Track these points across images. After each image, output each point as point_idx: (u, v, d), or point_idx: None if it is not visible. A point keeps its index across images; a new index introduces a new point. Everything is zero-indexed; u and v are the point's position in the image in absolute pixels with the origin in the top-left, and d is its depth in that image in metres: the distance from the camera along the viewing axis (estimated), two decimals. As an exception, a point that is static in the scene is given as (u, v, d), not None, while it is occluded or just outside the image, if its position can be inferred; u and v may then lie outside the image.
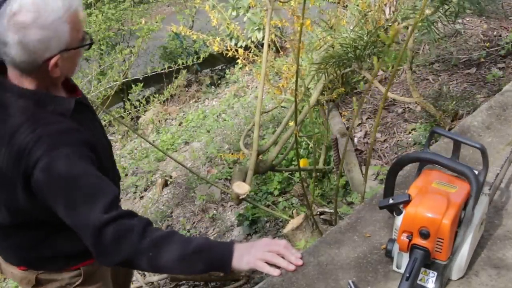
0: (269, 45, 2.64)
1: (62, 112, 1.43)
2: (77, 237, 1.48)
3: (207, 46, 3.74)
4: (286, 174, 3.83)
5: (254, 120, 2.68)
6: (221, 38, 3.77)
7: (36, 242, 1.56)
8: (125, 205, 4.03)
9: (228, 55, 3.43)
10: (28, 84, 1.40)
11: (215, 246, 1.31)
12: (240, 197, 1.93)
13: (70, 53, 1.38)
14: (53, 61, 1.36)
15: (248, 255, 1.29)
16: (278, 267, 1.33)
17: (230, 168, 4.37)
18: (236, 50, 3.40)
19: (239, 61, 3.49)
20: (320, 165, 3.39)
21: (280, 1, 2.75)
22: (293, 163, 3.86)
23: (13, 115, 1.38)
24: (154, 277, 3.16)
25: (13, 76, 1.40)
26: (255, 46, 3.61)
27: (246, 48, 3.73)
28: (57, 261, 1.61)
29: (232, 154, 3.64)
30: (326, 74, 2.46)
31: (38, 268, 1.61)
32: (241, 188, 1.92)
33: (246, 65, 3.46)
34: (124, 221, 1.30)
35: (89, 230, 1.28)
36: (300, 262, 1.28)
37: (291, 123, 2.81)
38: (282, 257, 1.33)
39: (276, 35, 3.56)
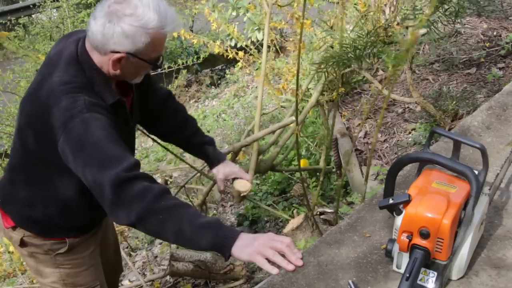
0: (269, 46, 2.64)
1: (103, 98, 1.50)
2: (73, 213, 1.65)
3: (207, 46, 3.74)
4: (286, 174, 3.83)
5: (254, 121, 2.68)
6: (220, 39, 3.78)
7: (35, 199, 1.65)
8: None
9: (228, 57, 3.44)
10: (95, 58, 1.49)
11: (223, 227, 1.33)
12: (242, 195, 1.92)
13: (136, 60, 1.47)
14: (117, 55, 1.45)
15: (251, 247, 1.29)
16: (278, 266, 1.33)
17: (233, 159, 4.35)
18: (236, 53, 3.41)
19: (239, 64, 3.49)
20: (321, 165, 3.39)
21: (279, 5, 2.76)
22: (293, 163, 3.86)
23: (65, 72, 1.48)
24: (154, 275, 3.16)
25: (88, 46, 1.51)
26: (255, 47, 3.61)
27: (245, 49, 3.73)
28: (45, 228, 1.70)
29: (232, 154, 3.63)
30: (326, 74, 2.46)
31: (26, 227, 1.70)
32: (243, 186, 1.91)
33: (246, 68, 3.46)
34: (144, 182, 1.34)
35: (109, 185, 1.32)
36: (300, 263, 1.28)
37: (291, 124, 2.81)
38: (284, 255, 1.33)
39: (276, 36, 3.56)
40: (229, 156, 2.69)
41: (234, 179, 1.92)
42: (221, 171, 1.91)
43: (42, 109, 1.44)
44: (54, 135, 1.40)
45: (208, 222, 1.33)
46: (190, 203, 3.10)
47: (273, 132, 2.87)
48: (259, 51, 3.54)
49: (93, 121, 1.40)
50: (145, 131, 2.03)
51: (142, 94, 1.77)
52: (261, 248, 1.28)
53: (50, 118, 1.41)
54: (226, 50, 3.42)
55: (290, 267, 1.27)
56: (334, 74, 2.39)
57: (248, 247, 1.29)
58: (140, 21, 1.40)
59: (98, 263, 1.86)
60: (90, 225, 1.80)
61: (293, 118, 2.68)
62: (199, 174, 2.60)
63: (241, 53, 3.42)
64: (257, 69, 4.05)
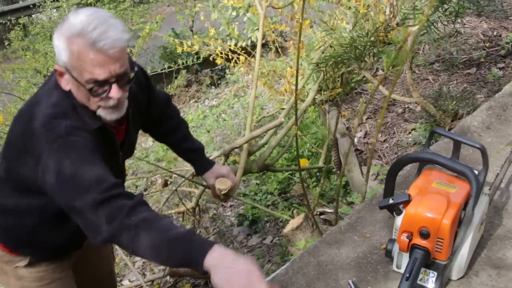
0: (269, 46, 2.64)
1: (86, 122, 1.45)
2: (41, 234, 1.62)
3: (207, 46, 3.75)
4: (286, 174, 3.83)
5: (246, 123, 2.69)
6: (221, 39, 3.78)
7: (8, 209, 1.61)
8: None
9: (231, 59, 3.45)
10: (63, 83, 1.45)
11: (196, 241, 1.27)
12: (222, 192, 1.90)
13: (73, 79, 1.40)
14: (58, 67, 1.41)
15: (225, 274, 1.20)
16: None
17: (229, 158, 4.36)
18: (238, 58, 3.42)
19: (241, 68, 3.50)
20: (320, 164, 3.39)
21: (273, 6, 2.76)
22: (293, 162, 3.87)
23: (49, 97, 1.45)
24: (154, 276, 3.16)
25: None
26: (254, 46, 3.62)
27: (246, 49, 3.74)
28: (11, 240, 1.67)
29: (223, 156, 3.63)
30: (324, 73, 2.46)
31: None
32: (223, 183, 1.90)
33: (248, 73, 3.47)
34: (120, 200, 1.31)
35: (87, 210, 1.30)
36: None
37: (281, 124, 2.80)
38: None
39: (276, 37, 3.56)
40: (223, 159, 2.70)
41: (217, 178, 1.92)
42: (210, 176, 1.91)
43: (26, 132, 1.42)
44: (33, 158, 1.38)
45: (181, 234, 1.28)
46: (183, 205, 3.10)
47: (265, 132, 2.87)
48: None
49: (72, 145, 1.36)
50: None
51: (143, 112, 1.73)
52: (235, 283, 1.19)
53: (32, 141, 1.38)
54: (227, 58, 3.44)
55: None
56: (331, 73, 2.39)
57: (223, 272, 1.21)
58: (65, 28, 1.35)
59: (65, 276, 1.78)
60: (60, 252, 1.74)
61: (282, 119, 2.69)
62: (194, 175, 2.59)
63: (242, 58, 3.42)
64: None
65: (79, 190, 1.32)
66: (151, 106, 1.78)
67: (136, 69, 1.52)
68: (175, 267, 1.29)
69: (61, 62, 1.39)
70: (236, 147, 2.68)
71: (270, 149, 2.95)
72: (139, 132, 1.88)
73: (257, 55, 2.59)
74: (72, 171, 1.33)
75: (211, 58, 3.57)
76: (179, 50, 3.67)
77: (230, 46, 3.47)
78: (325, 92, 3.22)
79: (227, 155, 2.70)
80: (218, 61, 3.48)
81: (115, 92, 1.40)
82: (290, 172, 3.85)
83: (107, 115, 1.46)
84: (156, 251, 1.28)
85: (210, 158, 2.02)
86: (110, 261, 2.10)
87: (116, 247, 2.30)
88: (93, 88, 1.38)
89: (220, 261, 1.22)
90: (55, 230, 1.63)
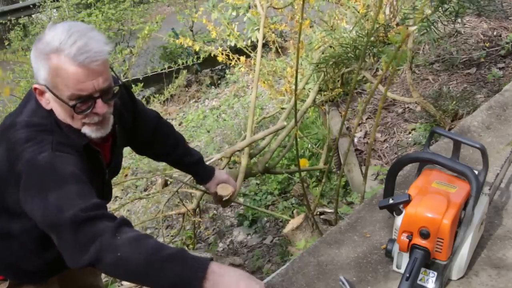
0: (268, 46, 2.65)
1: (71, 140, 1.39)
2: (22, 255, 1.53)
3: (207, 46, 3.76)
4: (286, 174, 3.83)
5: (247, 126, 2.69)
6: (221, 39, 3.78)
7: None
8: (125, 206, 4.03)
9: (232, 60, 3.46)
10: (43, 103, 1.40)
11: (190, 258, 1.18)
12: (224, 199, 1.90)
13: (54, 96, 1.34)
14: (38, 86, 1.36)
15: None
16: None
17: (230, 168, 4.37)
18: (238, 58, 3.43)
19: (242, 68, 3.52)
20: (321, 165, 3.40)
21: (274, 7, 2.76)
22: (294, 161, 3.86)
23: (34, 114, 1.39)
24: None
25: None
26: (254, 46, 3.62)
27: (246, 48, 3.74)
28: None
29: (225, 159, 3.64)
30: (325, 74, 2.46)
31: None
32: (225, 189, 1.90)
33: (248, 73, 3.48)
34: (104, 221, 1.23)
35: (66, 227, 1.22)
36: None
37: (289, 124, 2.81)
38: None
39: (276, 37, 3.56)
40: (224, 161, 2.70)
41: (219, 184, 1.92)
42: (212, 184, 1.91)
43: (9, 152, 1.35)
44: (15, 176, 1.31)
45: (172, 254, 1.18)
46: (184, 206, 3.10)
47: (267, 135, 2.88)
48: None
49: (57, 161, 1.30)
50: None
51: (131, 131, 1.69)
52: None
53: (15, 160, 1.32)
54: (228, 57, 3.45)
55: None
56: (332, 73, 2.39)
57: None
58: (42, 45, 1.30)
59: None
60: (42, 276, 1.67)
61: (285, 123, 2.69)
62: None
63: (242, 59, 3.43)
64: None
65: (59, 207, 1.23)
66: (138, 123, 1.72)
67: (119, 83, 1.47)
68: None
69: (40, 80, 1.33)
70: (238, 150, 2.68)
71: (270, 152, 2.96)
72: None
73: (258, 56, 2.60)
74: (55, 187, 1.26)
75: (212, 55, 3.57)
76: (179, 41, 3.66)
77: (229, 46, 3.48)
78: (325, 93, 3.23)
79: (229, 157, 2.71)
80: (219, 58, 3.48)
81: (100, 107, 1.35)
82: (287, 173, 3.85)
83: (92, 133, 1.40)
84: (145, 273, 1.17)
85: (211, 160, 2.01)
86: (96, 277, 2.03)
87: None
88: (76, 104, 1.32)
89: (219, 280, 1.14)
90: (39, 254, 1.56)
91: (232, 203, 4.04)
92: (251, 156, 2.84)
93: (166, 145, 1.88)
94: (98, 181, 1.48)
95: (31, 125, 1.37)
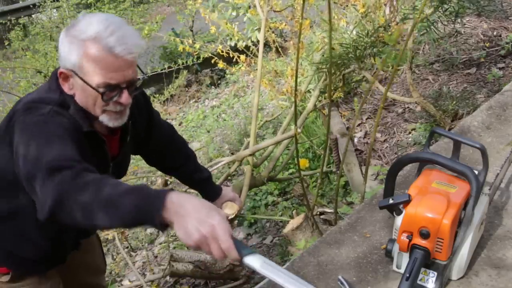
0: (268, 46, 2.65)
1: (76, 121, 1.40)
2: (25, 243, 1.54)
3: (207, 46, 3.77)
4: (286, 174, 3.83)
5: (250, 133, 2.70)
6: (221, 39, 3.78)
7: None
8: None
9: (233, 57, 3.47)
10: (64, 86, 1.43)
11: (147, 191, 1.12)
12: (229, 218, 1.89)
13: (81, 82, 1.38)
14: (64, 70, 1.39)
15: (186, 225, 1.05)
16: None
17: (230, 168, 4.37)
18: (239, 57, 3.43)
19: (242, 68, 3.52)
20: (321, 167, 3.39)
21: (275, 10, 2.77)
22: (294, 161, 3.86)
23: (43, 91, 1.44)
24: (154, 276, 3.16)
25: None
26: (254, 46, 3.62)
27: (246, 48, 3.74)
28: None
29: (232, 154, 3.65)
30: (326, 74, 2.46)
31: None
32: (230, 208, 1.90)
33: (248, 73, 3.49)
34: (69, 170, 1.20)
35: (40, 173, 1.20)
36: (230, 255, 1.06)
37: (290, 125, 2.82)
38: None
39: (276, 37, 3.57)
40: (234, 165, 2.70)
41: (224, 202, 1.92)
42: (218, 203, 1.91)
43: (8, 121, 1.38)
44: (7, 142, 1.33)
45: (130, 188, 1.14)
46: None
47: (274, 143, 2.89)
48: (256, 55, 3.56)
49: (50, 121, 1.32)
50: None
51: (144, 139, 1.71)
52: (193, 229, 1.05)
53: (12, 128, 1.34)
54: (228, 55, 3.45)
55: (219, 255, 1.07)
56: (333, 74, 2.39)
57: (183, 222, 1.05)
58: (77, 31, 1.35)
59: (51, 287, 1.70)
60: (41, 265, 1.66)
61: (299, 130, 2.69)
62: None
63: (243, 57, 3.44)
64: (256, 69, 4.05)
65: (38, 157, 1.23)
66: (152, 130, 1.75)
67: (145, 77, 1.53)
68: (129, 226, 1.10)
69: (69, 65, 1.38)
70: (241, 159, 2.70)
71: (274, 161, 2.96)
72: None
73: (259, 60, 2.60)
74: (40, 140, 1.27)
75: (213, 62, 3.59)
76: (180, 48, 3.67)
77: (229, 45, 3.49)
78: (326, 95, 3.24)
79: (240, 161, 2.72)
80: (220, 65, 3.50)
81: (125, 97, 1.41)
82: (290, 172, 3.85)
83: (110, 121, 1.44)
84: (104, 210, 1.12)
85: (221, 164, 1.99)
86: (99, 277, 2.04)
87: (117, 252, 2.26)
88: (104, 92, 1.38)
89: (178, 209, 1.07)
90: (37, 239, 1.57)
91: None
92: (254, 165, 2.85)
93: (177, 159, 1.89)
94: (100, 171, 1.48)
95: (36, 99, 1.41)
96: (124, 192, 1.13)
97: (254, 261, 1.07)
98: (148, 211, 1.08)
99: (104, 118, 1.43)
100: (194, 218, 1.06)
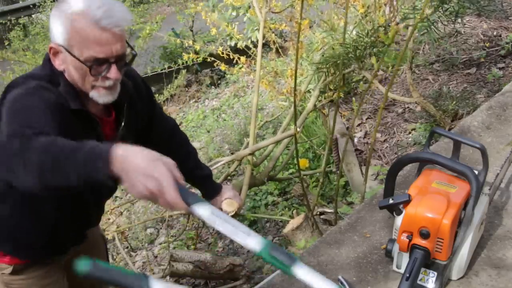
0: (268, 46, 2.65)
1: (66, 99, 1.40)
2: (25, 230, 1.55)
3: (207, 46, 3.77)
4: (285, 174, 3.83)
5: (250, 133, 2.70)
6: (221, 39, 3.78)
7: None
8: (124, 206, 4.03)
9: (233, 58, 3.47)
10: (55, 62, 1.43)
11: (92, 147, 1.12)
12: (230, 215, 1.89)
13: (71, 57, 1.37)
14: (54, 45, 1.39)
15: (132, 179, 1.06)
16: None
17: (234, 175, 4.37)
18: (239, 58, 3.43)
19: (243, 69, 3.52)
20: (321, 167, 3.39)
21: (273, 12, 2.77)
22: (293, 161, 3.86)
23: (34, 70, 1.46)
24: (153, 275, 3.16)
25: None
26: (254, 46, 3.62)
27: (246, 48, 3.74)
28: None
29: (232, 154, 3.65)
30: (326, 74, 2.46)
31: None
32: (230, 205, 1.90)
33: (248, 73, 3.48)
34: (28, 137, 1.18)
35: (4, 142, 1.22)
36: (176, 207, 1.07)
37: (290, 126, 2.82)
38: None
39: (275, 38, 3.57)
40: (234, 165, 2.70)
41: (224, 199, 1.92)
42: (218, 201, 1.91)
43: (2, 99, 1.37)
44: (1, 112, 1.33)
45: (75, 147, 1.13)
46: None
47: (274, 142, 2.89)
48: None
49: (37, 94, 1.32)
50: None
51: (141, 120, 1.68)
52: (140, 181, 1.06)
53: (1, 105, 1.34)
54: (229, 56, 3.45)
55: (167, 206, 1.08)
56: (333, 74, 2.39)
57: (132, 174, 1.06)
58: (65, 6, 1.35)
59: (56, 281, 1.70)
60: (42, 253, 1.65)
61: (298, 129, 2.69)
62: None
63: (243, 59, 3.44)
64: (256, 70, 4.06)
65: (12, 130, 1.23)
66: (153, 120, 1.74)
67: (134, 53, 1.51)
68: (79, 182, 1.08)
69: (58, 40, 1.37)
70: (241, 159, 2.69)
71: (274, 160, 2.96)
72: None
73: (258, 61, 2.60)
74: (19, 112, 1.27)
75: (215, 65, 3.59)
76: (185, 57, 3.69)
77: (229, 45, 3.49)
78: (326, 95, 3.23)
79: (240, 160, 2.72)
80: (222, 68, 3.51)
81: (114, 72, 1.39)
82: (290, 172, 3.85)
83: (100, 97, 1.43)
84: (51, 171, 1.12)
85: (221, 163, 1.99)
86: None
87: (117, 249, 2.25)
88: (92, 66, 1.37)
89: (124, 165, 1.07)
90: (33, 221, 1.56)
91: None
92: (254, 165, 2.85)
93: (178, 155, 1.87)
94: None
95: (27, 75, 1.42)
96: (70, 151, 1.13)
97: (202, 210, 1.07)
98: (95, 168, 1.09)
99: (94, 94, 1.43)
100: (139, 173, 1.07)
